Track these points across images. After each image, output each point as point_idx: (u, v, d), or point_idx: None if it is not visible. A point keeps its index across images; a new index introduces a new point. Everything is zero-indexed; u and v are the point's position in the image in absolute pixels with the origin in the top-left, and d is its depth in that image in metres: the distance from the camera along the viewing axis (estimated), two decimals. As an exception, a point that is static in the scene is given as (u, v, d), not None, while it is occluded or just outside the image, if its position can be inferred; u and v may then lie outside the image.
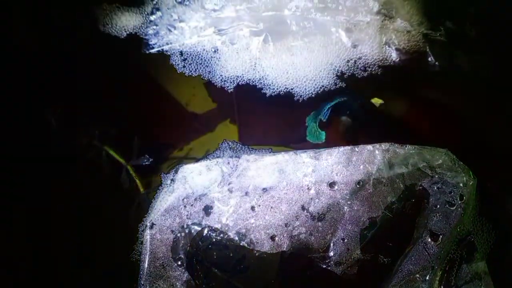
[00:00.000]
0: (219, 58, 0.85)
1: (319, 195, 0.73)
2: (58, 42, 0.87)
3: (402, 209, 0.73)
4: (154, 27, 0.87)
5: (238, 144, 0.82)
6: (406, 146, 0.75)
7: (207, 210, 0.74)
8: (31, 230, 0.79)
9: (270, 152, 0.79)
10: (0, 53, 0.84)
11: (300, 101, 0.84)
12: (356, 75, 0.84)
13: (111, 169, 0.83)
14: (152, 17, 0.88)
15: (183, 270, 0.73)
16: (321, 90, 0.84)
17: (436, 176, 0.74)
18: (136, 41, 0.87)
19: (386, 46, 0.85)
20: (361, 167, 0.74)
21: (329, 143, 0.83)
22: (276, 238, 0.72)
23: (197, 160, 0.80)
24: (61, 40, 0.87)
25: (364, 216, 0.72)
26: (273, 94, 0.84)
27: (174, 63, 0.86)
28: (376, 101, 0.85)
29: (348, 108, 0.85)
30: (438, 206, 0.73)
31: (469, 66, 0.87)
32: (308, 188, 0.74)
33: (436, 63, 0.86)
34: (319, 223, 0.72)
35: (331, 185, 0.74)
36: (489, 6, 0.89)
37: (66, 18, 0.87)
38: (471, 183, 0.74)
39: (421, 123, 0.86)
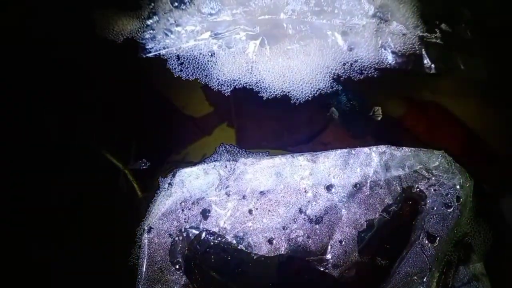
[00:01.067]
0: (216, 61, 0.85)
1: (317, 198, 0.74)
2: (55, 46, 0.87)
3: (399, 211, 0.73)
4: (151, 31, 0.88)
5: (235, 147, 0.82)
6: (402, 149, 0.75)
7: (205, 213, 0.74)
8: (28, 233, 0.79)
9: (267, 155, 0.79)
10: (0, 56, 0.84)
11: (296, 104, 0.84)
12: (353, 78, 0.84)
13: (108, 174, 0.83)
14: (149, 22, 0.88)
15: (181, 274, 0.72)
16: (317, 93, 0.84)
17: (433, 178, 0.74)
18: (133, 45, 0.87)
19: (382, 49, 0.86)
20: (358, 169, 0.75)
21: (328, 145, 0.83)
22: (274, 241, 0.72)
23: (194, 163, 0.80)
24: (58, 44, 0.87)
25: (361, 219, 0.73)
26: (270, 97, 0.84)
27: (171, 67, 0.86)
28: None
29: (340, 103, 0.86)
30: (435, 208, 0.73)
31: (465, 68, 0.87)
32: (305, 191, 0.74)
33: (432, 65, 0.86)
34: (317, 226, 0.73)
35: (328, 187, 0.74)
36: (484, 7, 0.89)
37: (62, 22, 0.87)
38: (467, 185, 0.74)
39: (417, 125, 0.86)
